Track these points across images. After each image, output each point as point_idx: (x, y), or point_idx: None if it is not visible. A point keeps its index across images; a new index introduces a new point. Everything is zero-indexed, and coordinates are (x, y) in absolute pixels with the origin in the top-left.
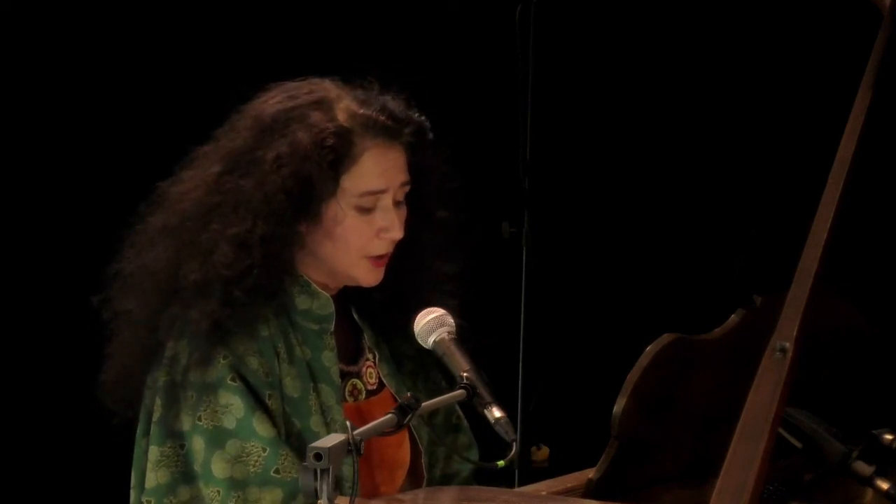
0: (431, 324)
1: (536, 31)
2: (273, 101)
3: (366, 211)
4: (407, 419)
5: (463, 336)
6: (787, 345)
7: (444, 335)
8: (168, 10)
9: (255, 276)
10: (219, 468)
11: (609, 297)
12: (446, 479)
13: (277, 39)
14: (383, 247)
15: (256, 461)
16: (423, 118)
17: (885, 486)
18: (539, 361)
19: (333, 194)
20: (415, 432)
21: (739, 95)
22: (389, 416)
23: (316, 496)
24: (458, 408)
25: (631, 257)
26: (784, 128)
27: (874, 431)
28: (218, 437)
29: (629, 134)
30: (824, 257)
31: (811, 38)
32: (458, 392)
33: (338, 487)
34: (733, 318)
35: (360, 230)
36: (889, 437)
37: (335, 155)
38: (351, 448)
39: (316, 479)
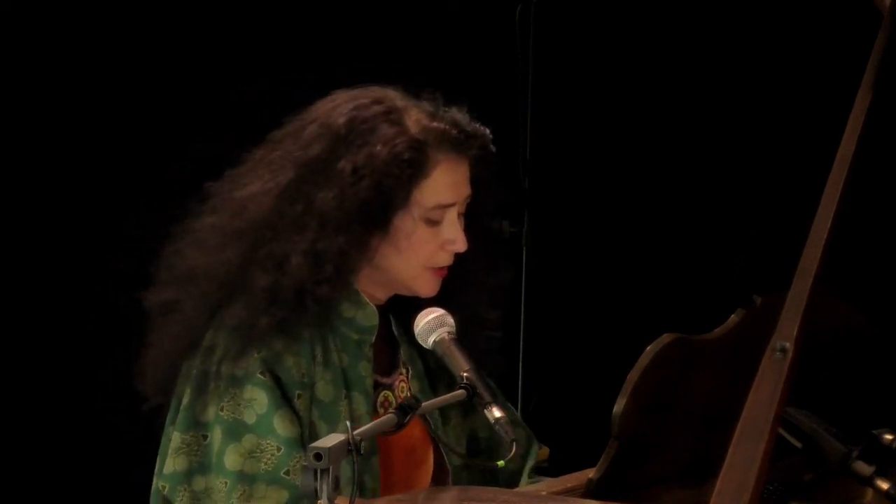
0: (432, 324)
1: (536, 31)
2: (341, 108)
3: (433, 223)
4: (407, 419)
5: (494, 347)
6: (787, 345)
7: (445, 335)
8: (167, 9)
9: (326, 288)
10: (231, 460)
11: (609, 296)
12: (513, 476)
13: (277, 39)
14: (447, 259)
15: (269, 459)
16: (487, 131)
17: (885, 486)
18: (539, 361)
19: (406, 206)
20: (445, 454)
21: (740, 95)
22: (389, 415)
23: (316, 496)
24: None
25: (631, 257)
26: (784, 128)
27: (874, 431)
28: (236, 430)
29: (629, 134)
30: (824, 257)
31: (811, 38)
32: (459, 392)
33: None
34: (733, 318)
35: (427, 242)
36: (889, 437)
37: (412, 167)
38: (351, 448)
39: (316, 479)
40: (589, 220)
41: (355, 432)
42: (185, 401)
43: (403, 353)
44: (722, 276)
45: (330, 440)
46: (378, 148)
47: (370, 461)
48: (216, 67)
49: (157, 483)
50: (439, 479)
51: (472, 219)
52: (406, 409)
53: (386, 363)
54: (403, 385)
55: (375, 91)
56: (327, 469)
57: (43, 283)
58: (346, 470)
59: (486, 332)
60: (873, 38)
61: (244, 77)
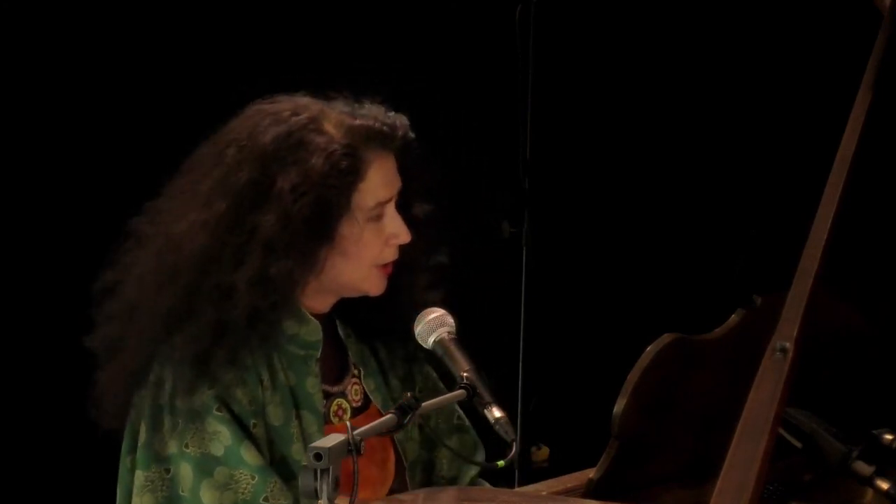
0: (432, 324)
1: (536, 31)
2: (261, 126)
3: (376, 221)
4: (407, 419)
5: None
6: (787, 345)
7: (444, 335)
8: (166, 10)
9: (277, 309)
10: (208, 496)
11: (609, 296)
12: (453, 482)
13: (277, 39)
14: (393, 253)
15: (245, 489)
16: (405, 118)
17: (885, 486)
18: (539, 361)
19: (349, 212)
20: (399, 448)
21: (740, 95)
22: (389, 416)
23: (316, 496)
24: (458, 408)
25: (631, 257)
26: (784, 128)
27: (874, 431)
28: (206, 465)
29: (629, 134)
30: (824, 257)
31: (811, 38)
32: (458, 392)
33: (337, 487)
34: (733, 318)
35: (373, 241)
36: (889, 437)
37: (350, 173)
38: (351, 448)
39: (316, 479)
40: (589, 220)
41: (355, 432)
42: (142, 438)
43: (353, 355)
44: (722, 276)
45: (330, 440)
46: (313, 161)
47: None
48: (216, 68)
49: None
50: (399, 477)
51: (406, 207)
52: (406, 410)
53: (335, 370)
54: (357, 388)
55: (287, 102)
56: (327, 469)
57: (42, 283)
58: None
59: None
60: (873, 38)
61: (244, 78)
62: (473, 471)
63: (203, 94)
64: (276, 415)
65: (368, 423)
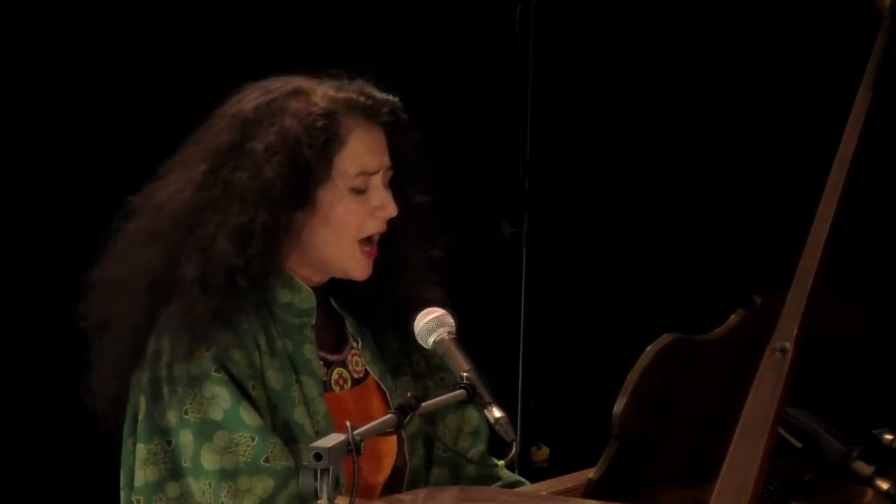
0: (431, 324)
1: (536, 31)
2: (249, 97)
3: (360, 192)
4: (407, 419)
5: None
6: (787, 345)
7: (444, 335)
8: (165, 10)
9: (256, 266)
10: (209, 460)
11: (609, 296)
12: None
13: (277, 39)
14: (377, 226)
15: (245, 451)
16: (395, 98)
17: (885, 486)
18: (539, 361)
19: (329, 178)
20: (405, 447)
21: (740, 95)
22: (390, 416)
23: (316, 496)
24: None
25: (631, 257)
26: (784, 128)
27: (874, 431)
28: (206, 430)
29: (629, 134)
30: (824, 257)
31: (811, 38)
32: (458, 392)
33: (337, 487)
34: (733, 318)
35: (356, 211)
36: (889, 437)
37: (326, 136)
38: (351, 448)
39: (316, 479)
40: (589, 220)
41: (355, 432)
42: (141, 412)
43: (350, 326)
44: (722, 276)
45: (330, 440)
46: (287, 122)
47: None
48: (216, 68)
49: (128, 497)
50: (398, 474)
51: (400, 195)
52: (406, 409)
53: (334, 340)
54: (357, 359)
55: (280, 79)
56: (327, 469)
57: (43, 283)
58: None
59: (428, 305)
60: (873, 38)
61: (243, 78)
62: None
63: (202, 95)
64: (276, 379)
65: (365, 396)
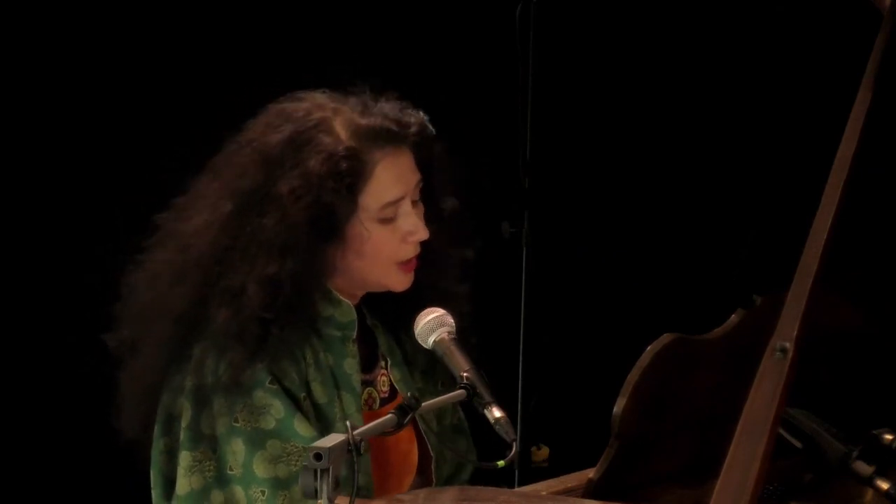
0: (431, 324)
1: (536, 31)
2: (273, 130)
3: (388, 221)
4: (407, 419)
5: (467, 324)
6: (787, 345)
7: (444, 335)
8: (164, 11)
9: (288, 310)
10: (262, 469)
11: (609, 296)
12: (449, 481)
13: (277, 41)
14: (411, 250)
15: (298, 461)
16: (421, 113)
17: (885, 486)
18: (539, 361)
19: (355, 213)
20: (426, 438)
21: (740, 95)
22: (390, 415)
23: (316, 496)
24: (460, 410)
25: (631, 257)
26: (784, 127)
27: (874, 431)
28: (257, 438)
29: (629, 134)
30: (824, 257)
31: (811, 38)
32: (458, 392)
33: (338, 487)
34: (733, 318)
35: (387, 240)
36: (889, 437)
37: (351, 177)
38: (351, 448)
39: (316, 479)
40: (589, 220)
41: (355, 432)
42: (185, 419)
43: (381, 344)
44: (722, 276)
45: (330, 440)
46: (311, 163)
47: (364, 458)
48: (215, 68)
49: (159, 496)
50: (423, 468)
51: (429, 200)
52: (406, 409)
53: (365, 359)
54: (384, 379)
55: (303, 99)
56: (327, 469)
57: (42, 284)
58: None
59: (457, 307)
60: (873, 38)
61: (243, 78)
62: (467, 473)
63: (202, 95)
64: (321, 393)
65: None
